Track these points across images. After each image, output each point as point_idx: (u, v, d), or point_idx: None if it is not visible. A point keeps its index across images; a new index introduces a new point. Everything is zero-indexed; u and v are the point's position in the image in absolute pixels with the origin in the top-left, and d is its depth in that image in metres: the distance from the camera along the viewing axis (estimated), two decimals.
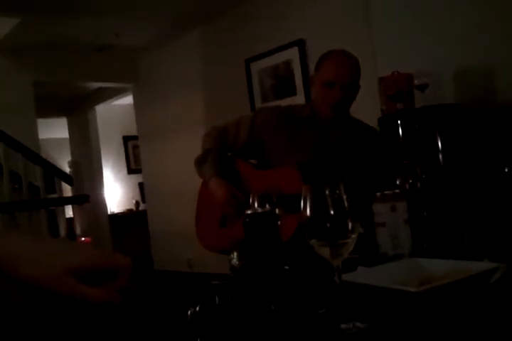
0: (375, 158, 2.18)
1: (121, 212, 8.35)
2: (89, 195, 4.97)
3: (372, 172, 2.14)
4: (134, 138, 7.21)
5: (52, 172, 4.86)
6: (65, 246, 0.70)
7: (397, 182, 1.46)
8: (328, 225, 0.85)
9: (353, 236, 0.86)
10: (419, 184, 1.46)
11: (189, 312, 0.98)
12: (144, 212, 6.76)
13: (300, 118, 2.16)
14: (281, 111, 2.21)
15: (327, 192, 0.86)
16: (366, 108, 3.81)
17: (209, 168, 2.12)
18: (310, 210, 0.87)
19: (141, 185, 7.60)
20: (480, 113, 3.22)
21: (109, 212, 7.70)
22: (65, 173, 4.99)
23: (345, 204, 0.86)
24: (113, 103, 7.75)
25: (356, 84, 2.12)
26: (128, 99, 6.91)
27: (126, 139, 8.73)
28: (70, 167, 5.14)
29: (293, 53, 4.43)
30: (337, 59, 2.12)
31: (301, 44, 4.46)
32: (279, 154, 2.12)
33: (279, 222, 1.15)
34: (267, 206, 1.33)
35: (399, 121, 3.15)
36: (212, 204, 2.13)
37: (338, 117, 2.14)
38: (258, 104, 4.85)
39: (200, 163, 2.21)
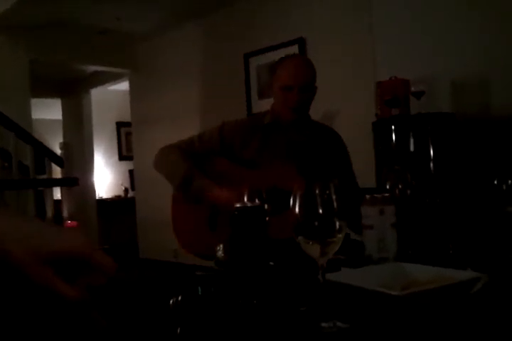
0: (340, 158, 2.26)
1: (109, 198, 8.33)
2: (78, 178, 4.95)
3: (340, 172, 2.22)
4: (128, 124, 7.18)
5: (43, 153, 4.83)
6: (52, 229, 0.69)
7: (387, 186, 1.47)
8: (316, 223, 0.86)
9: (340, 235, 0.87)
10: (408, 190, 1.47)
11: (171, 301, 0.98)
12: (133, 199, 6.75)
13: (264, 125, 2.20)
14: (246, 122, 2.26)
15: (317, 191, 0.87)
16: (361, 111, 3.85)
17: (202, 183, 2.04)
18: (299, 208, 0.88)
19: (131, 172, 7.58)
20: (473, 123, 3.24)
21: (97, 197, 7.67)
22: (55, 155, 4.97)
23: (334, 204, 0.87)
24: (109, 88, 7.70)
25: (313, 85, 2.17)
26: (124, 85, 6.87)
27: (120, 125, 8.70)
28: (61, 149, 5.13)
29: (293, 51, 4.41)
30: (292, 63, 2.18)
31: (301, 42, 4.47)
32: (251, 160, 2.14)
33: (267, 218, 1.15)
34: (257, 201, 1.34)
35: (393, 127, 3.16)
36: (193, 210, 2.11)
37: (299, 119, 2.19)
38: (254, 99, 4.85)
39: (171, 168, 2.16)
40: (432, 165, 3.03)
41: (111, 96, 8.19)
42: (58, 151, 5.20)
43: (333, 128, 2.38)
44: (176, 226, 2.19)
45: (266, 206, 1.30)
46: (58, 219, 4.66)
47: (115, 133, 8.81)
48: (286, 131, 2.19)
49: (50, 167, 4.88)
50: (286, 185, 1.42)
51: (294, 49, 4.43)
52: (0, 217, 0.66)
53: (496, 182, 1.46)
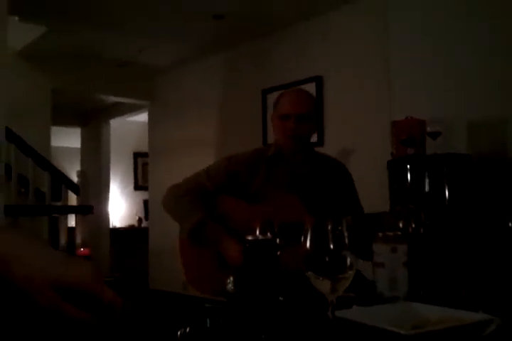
0: (345, 188, 2.27)
1: (123, 227, 8.34)
2: (93, 206, 4.98)
3: (345, 201, 2.22)
4: (145, 155, 7.26)
5: (60, 180, 4.89)
6: (62, 257, 0.69)
7: (400, 225, 1.47)
8: (327, 259, 0.86)
9: (351, 272, 0.87)
10: (422, 229, 1.47)
11: (179, 332, 0.98)
12: (146, 229, 6.74)
13: (268, 157, 2.23)
14: (251, 155, 2.28)
15: (329, 226, 0.88)
16: (376, 150, 3.86)
17: (211, 231, 2.04)
18: (310, 243, 0.88)
19: (146, 203, 7.61)
20: (489, 165, 3.23)
21: (111, 226, 7.69)
22: (72, 182, 5.02)
23: (346, 240, 0.87)
24: (128, 119, 7.82)
25: (311, 115, 2.22)
26: (143, 117, 6.98)
27: (137, 155, 8.79)
28: (78, 177, 5.18)
29: (310, 89, 4.47)
30: (290, 94, 2.31)
31: (318, 80, 4.52)
32: (258, 193, 2.16)
33: (278, 253, 1.15)
34: (269, 234, 1.34)
35: (408, 166, 3.16)
36: (202, 247, 2.12)
37: (301, 150, 2.23)
38: (270, 134, 4.88)
39: (181, 213, 2.16)
40: (446, 205, 3.01)
41: (129, 127, 8.31)
42: (75, 179, 5.25)
43: (338, 160, 2.40)
44: (185, 264, 2.19)
45: (277, 240, 1.30)
46: (71, 246, 4.67)
47: (132, 163, 8.90)
48: (289, 162, 2.23)
49: (66, 194, 4.93)
50: (290, 218, 1.43)
51: (311, 87, 4.48)
52: (9, 237, 0.66)
53: (510, 224, 1.46)
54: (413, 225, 1.46)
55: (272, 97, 4.87)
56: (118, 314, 0.68)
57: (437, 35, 3.61)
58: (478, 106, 3.35)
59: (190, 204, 2.14)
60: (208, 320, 0.99)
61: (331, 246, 0.87)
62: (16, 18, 4.49)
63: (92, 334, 0.67)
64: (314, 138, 4.17)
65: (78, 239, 4.76)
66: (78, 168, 7.23)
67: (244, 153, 2.31)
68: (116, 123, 7.75)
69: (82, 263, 0.70)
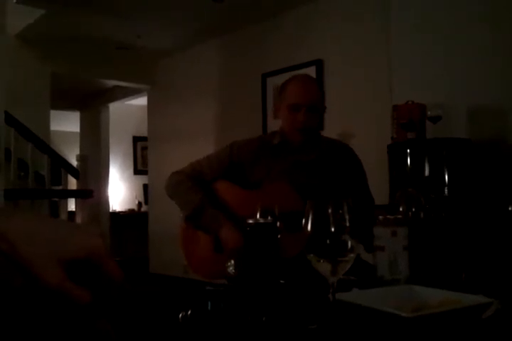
0: (354, 172, 2.24)
1: (122, 211, 8.36)
2: (93, 191, 4.99)
3: (354, 187, 2.19)
4: (144, 139, 7.24)
5: (60, 164, 4.89)
6: (67, 228, 0.67)
7: (400, 209, 1.47)
8: (328, 242, 0.86)
9: (352, 255, 0.87)
10: (422, 213, 1.47)
11: (180, 315, 0.98)
12: (146, 213, 6.77)
13: (272, 146, 2.20)
14: (255, 142, 2.25)
15: (330, 209, 0.87)
16: (377, 134, 3.85)
17: (211, 216, 2.04)
18: (311, 225, 0.88)
19: (145, 187, 7.62)
20: (489, 149, 3.23)
21: (111, 210, 7.70)
22: (72, 166, 5.02)
23: (347, 223, 0.87)
24: (127, 102, 7.79)
25: (320, 105, 2.17)
26: (142, 100, 6.95)
27: (136, 140, 8.77)
28: (77, 161, 5.17)
29: (310, 72, 4.46)
30: (299, 83, 2.18)
31: (319, 64, 4.50)
32: (261, 179, 2.14)
33: (278, 236, 1.16)
34: (269, 218, 1.34)
35: (408, 150, 3.16)
36: (200, 233, 2.12)
37: (308, 140, 2.18)
38: (270, 119, 4.87)
39: (181, 198, 2.17)
40: (446, 189, 3.02)
41: (129, 111, 8.29)
42: (75, 163, 5.25)
43: (344, 143, 2.37)
44: (185, 248, 2.21)
45: (278, 223, 1.31)
46: None
47: (131, 147, 8.89)
48: (294, 151, 2.18)
49: (66, 178, 4.93)
50: (284, 206, 1.42)
51: (311, 70, 4.46)
52: (13, 217, 0.65)
53: (510, 208, 1.46)
54: (413, 209, 1.46)
55: (272, 81, 4.86)
56: (116, 290, 0.68)
57: (439, 20, 3.59)
58: (479, 91, 3.34)
59: (189, 190, 2.14)
60: (209, 303, 0.99)
61: (332, 229, 0.87)
62: (14, 0, 4.45)
63: (89, 313, 0.67)
64: None
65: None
66: (77, 152, 7.23)
67: (248, 140, 2.27)
68: (115, 107, 7.72)
69: (87, 231, 0.68)
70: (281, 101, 2.18)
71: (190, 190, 2.14)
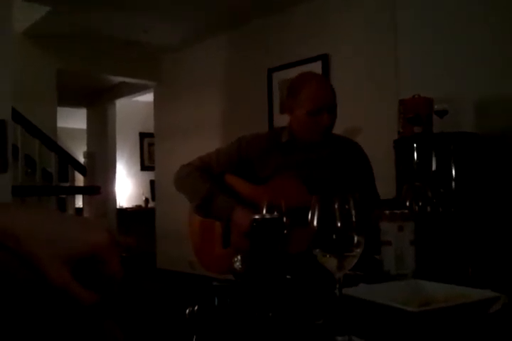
0: (362, 170, 2.23)
1: (130, 208, 8.38)
2: (100, 187, 5.00)
3: (362, 184, 2.18)
4: (151, 135, 7.26)
5: (67, 161, 4.90)
6: (75, 224, 0.67)
7: (407, 204, 1.46)
8: (334, 237, 0.86)
9: (358, 250, 0.87)
10: (428, 207, 1.46)
11: (187, 310, 0.98)
12: (153, 209, 6.78)
13: (281, 144, 2.17)
14: (263, 138, 2.22)
15: (336, 204, 0.87)
16: (383, 128, 3.84)
17: (223, 201, 2.04)
18: (317, 220, 0.88)
19: (152, 183, 7.63)
20: (496, 143, 3.22)
21: (118, 206, 7.73)
22: (79, 163, 5.04)
23: (353, 218, 0.87)
24: (134, 99, 7.80)
25: (336, 103, 2.12)
26: (149, 97, 6.96)
27: (143, 136, 8.79)
28: (84, 157, 5.19)
29: (316, 67, 4.44)
30: (314, 85, 2.10)
31: (325, 59, 4.49)
32: (269, 177, 2.12)
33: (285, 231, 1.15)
34: (276, 213, 1.34)
35: (415, 145, 3.15)
36: (207, 226, 2.12)
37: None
38: (276, 114, 4.87)
39: (190, 189, 2.16)
40: (453, 184, 3.01)
41: (135, 107, 8.30)
42: (82, 160, 5.27)
43: (352, 140, 2.36)
44: (193, 243, 2.21)
45: (284, 219, 1.31)
46: None
47: (138, 143, 8.91)
48: (304, 149, 2.17)
49: (73, 175, 4.95)
50: (292, 201, 1.42)
51: (317, 65, 4.45)
52: (19, 213, 0.64)
53: None
54: (420, 203, 1.46)
55: (277, 76, 4.84)
56: (115, 287, 0.67)
57: (446, 13, 3.56)
58: (486, 85, 3.32)
59: (198, 179, 2.14)
60: (215, 299, 0.99)
61: (338, 224, 0.87)
62: None
63: (96, 314, 0.67)
64: None
65: None
66: (84, 149, 7.25)
67: (256, 135, 2.24)
68: (122, 103, 7.74)
69: (97, 226, 0.67)
70: (295, 103, 2.11)
71: (200, 179, 2.14)
